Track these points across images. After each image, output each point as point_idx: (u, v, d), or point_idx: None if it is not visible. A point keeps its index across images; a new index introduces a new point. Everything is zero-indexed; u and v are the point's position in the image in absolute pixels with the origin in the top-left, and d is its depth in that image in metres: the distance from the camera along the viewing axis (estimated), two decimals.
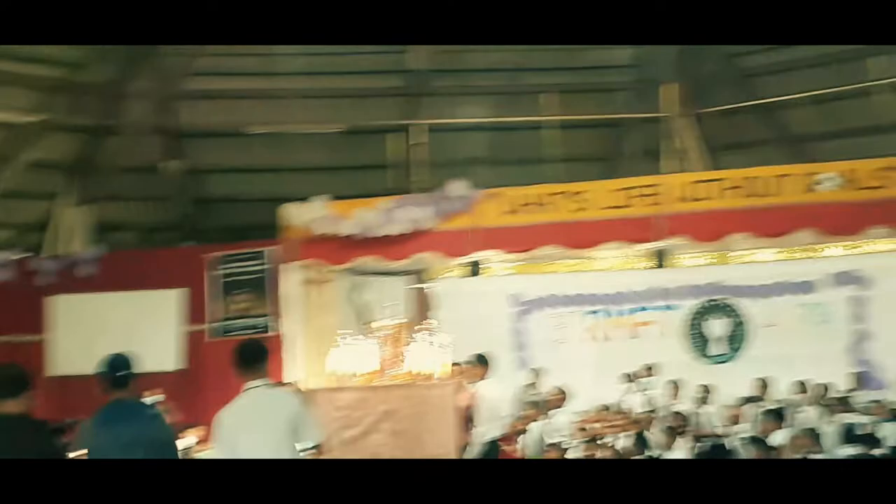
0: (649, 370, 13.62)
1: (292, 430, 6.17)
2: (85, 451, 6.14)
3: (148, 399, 6.50)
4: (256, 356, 6.40)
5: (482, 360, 10.12)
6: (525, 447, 11.76)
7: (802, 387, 12.38)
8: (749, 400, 12.33)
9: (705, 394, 12.82)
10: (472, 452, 9.67)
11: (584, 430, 11.60)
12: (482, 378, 10.01)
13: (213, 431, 6.22)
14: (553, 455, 11.08)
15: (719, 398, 12.77)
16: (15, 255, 14.68)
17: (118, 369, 6.10)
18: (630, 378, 13.57)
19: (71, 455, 8.15)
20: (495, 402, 10.15)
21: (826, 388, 12.28)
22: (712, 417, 12.23)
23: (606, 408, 12.67)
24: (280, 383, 7.09)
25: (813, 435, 10.17)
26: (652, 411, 12.13)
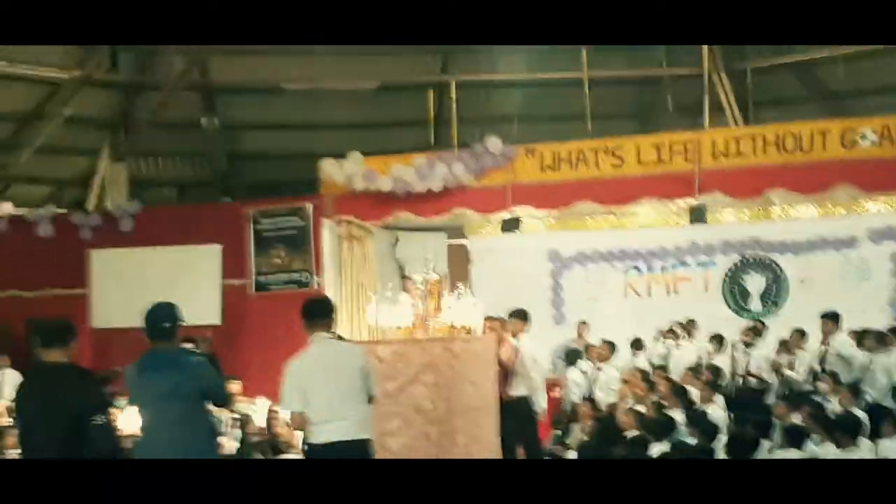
0: (683, 326, 13.63)
1: (363, 380, 6.32)
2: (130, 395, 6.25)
3: (192, 344, 6.54)
4: (325, 310, 6.57)
5: (522, 315, 10.17)
6: (565, 400, 11.84)
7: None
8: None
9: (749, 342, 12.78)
10: (510, 405, 9.78)
11: (626, 383, 11.64)
12: (522, 332, 10.07)
13: (282, 379, 6.31)
14: (587, 410, 11.15)
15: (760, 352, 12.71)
16: (58, 210, 14.82)
17: (162, 320, 6.19)
18: (667, 335, 13.58)
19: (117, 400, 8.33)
20: (534, 357, 10.22)
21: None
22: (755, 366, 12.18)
23: (647, 368, 12.65)
24: (341, 338, 7.16)
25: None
26: (691, 368, 12.11)
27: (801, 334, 12.11)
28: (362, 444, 6.24)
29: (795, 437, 8.17)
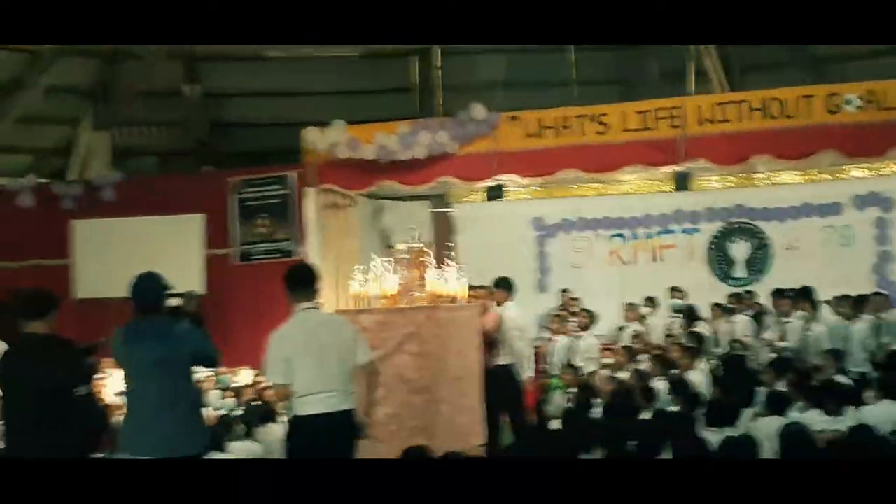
0: (651, 301, 13.62)
1: (349, 352, 6.26)
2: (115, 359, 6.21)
3: (179, 299, 6.49)
4: (309, 278, 6.47)
5: (506, 284, 10.14)
6: (550, 366, 11.84)
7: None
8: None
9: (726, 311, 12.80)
10: (495, 373, 9.78)
11: (609, 351, 11.66)
12: (506, 301, 10.05)
13: (266, 350, 6.26)
14: (571, 377, 11.16)
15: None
16: (38, 180, 14.73)
17: (148, 291, 6.13)
18: (648, 303, 13.60)
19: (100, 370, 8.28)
20: (519, 325, 10.21)
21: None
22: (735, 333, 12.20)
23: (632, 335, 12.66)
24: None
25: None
26: (669, 335, 12.13)
27: (789, 300, 12.06)
28: (348, 415, 6.21)
29: (779, 403, 8.18)
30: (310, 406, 6.13)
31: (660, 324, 12.99)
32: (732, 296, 13.21)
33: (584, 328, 12.36)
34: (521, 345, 10.14)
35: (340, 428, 6.13)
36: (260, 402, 10.56)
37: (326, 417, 6.11)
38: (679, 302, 13.46)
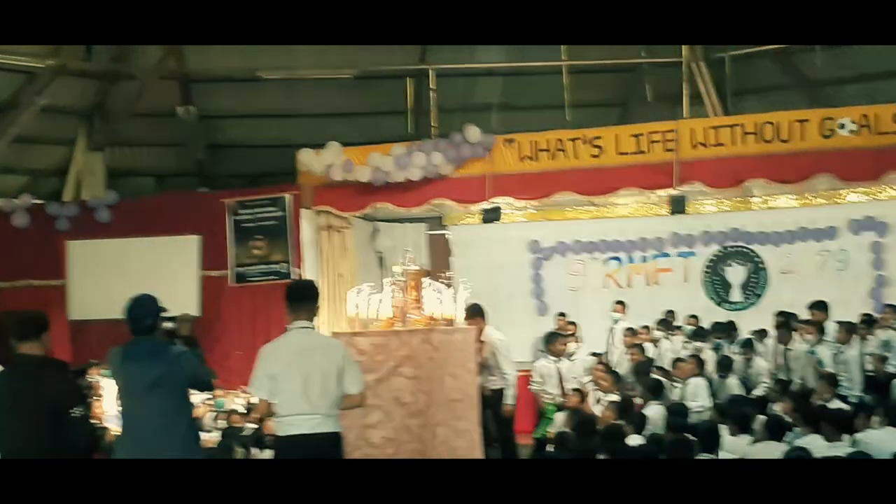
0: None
1: (337, 377, 6.18)
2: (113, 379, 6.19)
3: (172, 323, 6.49)
4: (310, 294, 6.46)
5: (477, 311, 10.10)
6: (542, 390, 11.81)
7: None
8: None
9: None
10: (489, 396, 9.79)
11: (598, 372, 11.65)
12: (483, 326, 10.05)
13: (256, 364, 6.22)
14: (565, 401, 11.15)
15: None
16: (34, 201, 14.72)
17: (144, 313, 6.13)
18: (661, 326, 13.55)
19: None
20: (507, 349, 10.22)
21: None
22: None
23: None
24: None
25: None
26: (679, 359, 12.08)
27: (787, 328, 12.06)
28: (332, 438, 6.15)
29: (777, 429, 8.18)
30: (292, 427, 6.09)
31: (671, 348, 12.96)
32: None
33: (570, 352, 12.33)
34: (508, 370, 10.14)
35: (322, 450, 6.06)
36: (258, 426, 10.52)
37: (307, 439, 6.06)
38: (691, 328, 13.43)
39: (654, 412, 9.84)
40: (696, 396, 10.96)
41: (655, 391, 10.54)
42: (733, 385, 11.44)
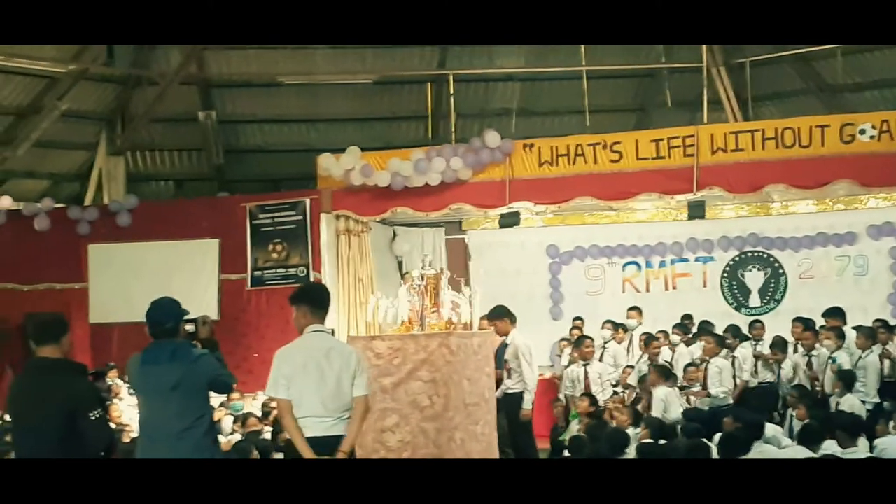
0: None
1: (349, 381, 6.22)
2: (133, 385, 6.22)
3: (192, 325, 6.51)
4: (323, 300, 6.52)
5: (505, 312, 10.15)
6: (564, 391, 11.80)
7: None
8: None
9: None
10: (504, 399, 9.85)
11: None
12: (511, 329, 10.10)
13: (272, 366, 6.27)
14: (585, 404, 11.13)
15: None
16: (55, 205, 14.85)
17: (164, 317, 6.18)
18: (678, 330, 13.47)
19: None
20: (531, 354, 10.25)
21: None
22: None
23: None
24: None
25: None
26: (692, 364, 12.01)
27: (813, 332, 11.96)
28: (341, 440, 6.18)
29: (808, 436, 8.16)
30: (306, 429, 6.12)
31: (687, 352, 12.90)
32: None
33: (587, 357, 12.28)
34: (528, 373, 10.16)
35: (333, 452, 6.10)
36: (275, 428, 10.53)
37: (320, 441, 6.10)
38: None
39: (662, 392, 9.90)
40: (720, 379, 10.91)
41: (666, 374, 10.59)
42: None
